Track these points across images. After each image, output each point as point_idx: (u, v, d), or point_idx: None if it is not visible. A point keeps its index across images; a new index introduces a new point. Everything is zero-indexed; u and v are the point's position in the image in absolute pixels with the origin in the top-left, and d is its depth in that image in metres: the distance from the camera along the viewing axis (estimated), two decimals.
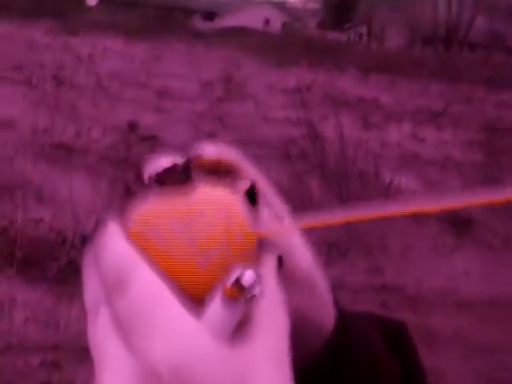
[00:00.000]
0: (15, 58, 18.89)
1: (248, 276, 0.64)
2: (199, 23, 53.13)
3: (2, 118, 11.80)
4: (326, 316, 0.89)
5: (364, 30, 56.64)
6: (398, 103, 19.41)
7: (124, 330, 0.64)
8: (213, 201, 0.70)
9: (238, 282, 0.64)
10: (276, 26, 53.20)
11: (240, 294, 0.64)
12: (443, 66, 31.96)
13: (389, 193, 10.03)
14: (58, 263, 7.65)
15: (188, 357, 0.61)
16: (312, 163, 10.48)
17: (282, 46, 32.74)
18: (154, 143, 11.18)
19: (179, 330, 0.62)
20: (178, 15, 52.72)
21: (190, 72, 20.25)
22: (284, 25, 54.64)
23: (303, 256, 0.85)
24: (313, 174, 10.37)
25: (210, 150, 0.82)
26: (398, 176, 10.45)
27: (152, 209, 0.69)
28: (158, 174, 0.77)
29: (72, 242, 7.81)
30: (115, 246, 0.66)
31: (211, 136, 12.36)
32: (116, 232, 0.67)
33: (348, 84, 22.12)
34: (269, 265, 0.70)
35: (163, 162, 0.79)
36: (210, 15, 58.82)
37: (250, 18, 53.88)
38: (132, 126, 11.70)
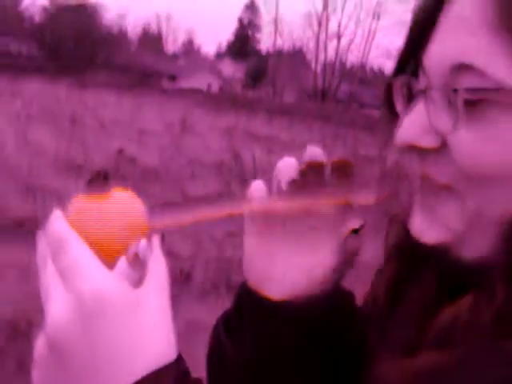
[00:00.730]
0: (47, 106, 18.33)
1: (142, 245, 0.69)
2: (165, 83, 52.25)
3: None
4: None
5: (271, 88, 55.75)
6: (292, 137, 19.20)
7: (62, 275, 0.66)
8: (126, 201, 0.73)
9: (135, 254, 0.69)
10: (215, 87, 52.50)
11: (136, 258, 0.68)
12: (320, 113, 31.76)
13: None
14: None
15: (104, 291, 0.64)
16: (234, 175, 10.35)
17: (219, 101, 32.36)
18: (135, 164, 11.04)
19: (99, 275, 0.65)
20: (152, 78, 51.82)
21: (158, 116, 19.94)
22: (220, 87, 53.98)
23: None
24: (235, 181, 10.21)
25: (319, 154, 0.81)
26: None
27: (83, 203, 0.71)
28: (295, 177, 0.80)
29: None
30: (58, 223, 0.69)
31: (173, 157, 12.14)
32: (59, 215, 0.70)
33: (259, 124, 21.79)
34: (155, 240, 0.71)
35: (292, 166, 0.81)
36: (172, 77, 57.49)
37: (198, 81, 53.17)
38: (120, 152, 11.48)
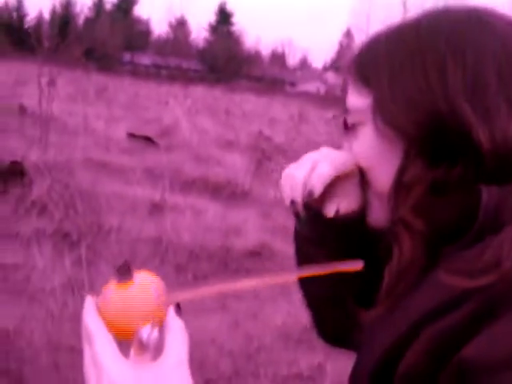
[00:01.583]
0: None
1: (145, 332, 0.61)
2: (287, 88, 52.28)
3: None
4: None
5: None
6: None
7: (92, 362, 0.60)
8: (144, 287, 0.64)
9: (140, 339, 0.61)
10: (322, 91, 51.99)
11: (141, 348, 0.61)
12: None
13: None
14: None
15: (119, 382, 0.57)
16: None
17: (325, 100, 32.18)
18: (270, 141, 11.21)
19: (116, 368, 0.57)
20: (278, 84, 52.01)
21: (283, 110, 20.22)
22: (326, 90, 53.40)
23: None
24: None
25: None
26: None
27: (110, 293, 0.64)
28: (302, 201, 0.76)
29: None
30: (89, 314, 0.63)
31: (294, 138, 12.20)
32: (91, 305, 0.63)
33: None
34: (171, 314, 0.62)
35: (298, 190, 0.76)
36: (292, 84, 57.72)
37: (310, 87, 53.05)
38: (259, 133, 11.69)
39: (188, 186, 7.15)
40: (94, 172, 6.84)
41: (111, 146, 8.86)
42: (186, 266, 4.70)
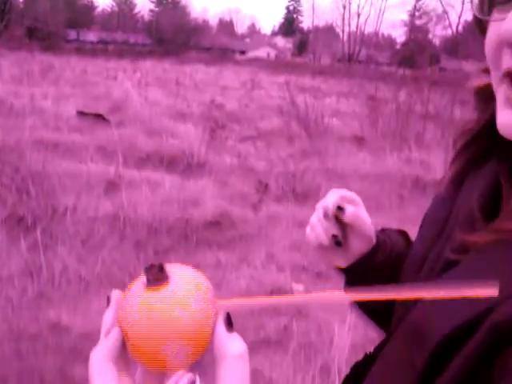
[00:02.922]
0: None
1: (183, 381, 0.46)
2: (237, 56, 51.65)
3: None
4: (372, 234, 0.83)
5: (311, 55, 55.87)
6: (329, 88, 19.07)
7: None
8: (181, 297, 0.48)
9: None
10: (272, 56, 51.69)
11: None
12: (347, 71, 31.32)
13: None
14: None
15: None
16: (291, 115, 10.22)
17: (276, 65, 32.03)
18: (222, 109, 11.01)
19: None
20: (228, 53, 51.39)
21: (235, 77, 20.06)
22: (276, 56, 53.10)
23: (366, 219, 0.80)
24: (292, 119, 10.10)
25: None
26: None
27: (134, 300, 0.48)
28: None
29: None
30: (109, 313, 0.51)
31: (247, 104, 12.09)
32: (113, 306, 0.51)
33: (305, 80, 21.60)
34: (222, 332, 0.49)
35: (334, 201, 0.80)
36: (242, 52, 57.18)
37: (260, 53, 52.76)
38: (211, 101, 11.49)
39: (143, 160, 6.98)
40: (44, 153, 6.59)
41: (61, 125, 8.56)
42: (145, 241, 4.58)
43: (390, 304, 0.64)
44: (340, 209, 0.80)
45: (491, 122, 0.58)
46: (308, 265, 4.13)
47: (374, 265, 0.84)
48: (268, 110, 11.22)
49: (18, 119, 8.28)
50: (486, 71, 0.60)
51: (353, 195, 0.82)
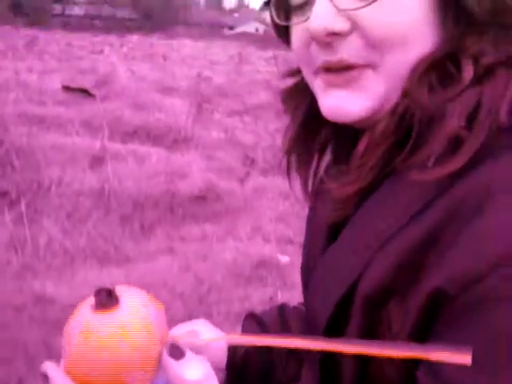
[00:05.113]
0: None
1: None
2: (226, 31, 51.28)
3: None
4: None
5: None
6: None
7: None
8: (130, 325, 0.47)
9: None
10: (261, 31, 51.32)
11: None
12: None
13: None
14: None
15: None
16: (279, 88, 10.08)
17: (263, 40, 31.81)
18: (210, 83, 10.87)
19: None
20: (216, 27, 50.95)
21: (223, 51, 19.86)
22: (264, 30, 52.78)
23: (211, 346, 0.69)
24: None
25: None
26: None
27: (82, 323, 0.47)
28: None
29: None
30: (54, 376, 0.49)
31: (235, 78, 11.97)
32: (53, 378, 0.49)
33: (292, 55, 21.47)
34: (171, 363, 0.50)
35: None
36: (231, 27, 56.70)
37: (249, 27, 52.37)
38: (199, 75, 11.36)
39: (129, 135, 6.90)
40: (29, 126, 6.48)
41: (46, 99, 8.42)
42: (131, 215, 4.54)
43: None
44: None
45: (314, 116, 0.67)
46: (294, 236, 4.12)
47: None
48: (256, 85, 11.12)
49: (2, 93, 8.12)
50: (290, 74, 0.74)
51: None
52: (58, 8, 50.61)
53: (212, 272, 3.54)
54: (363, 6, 0.53)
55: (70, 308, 0.53)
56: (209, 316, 3.14)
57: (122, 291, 0.49)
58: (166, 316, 0.51)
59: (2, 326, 2.89)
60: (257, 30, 53.12)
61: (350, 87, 0.58)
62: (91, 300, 0.49)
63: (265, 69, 14.65)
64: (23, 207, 4.35)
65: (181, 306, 3.15)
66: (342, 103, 0.58)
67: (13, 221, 4.21)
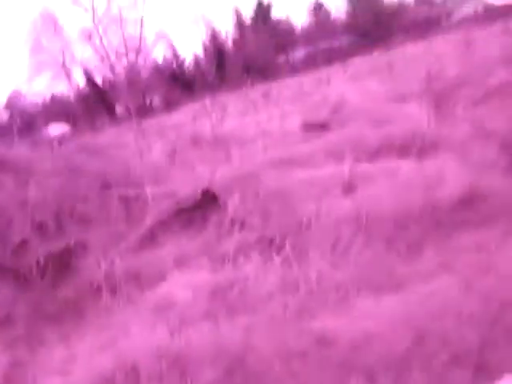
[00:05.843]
0: None
1: None
2: (445, 22, 48.23)
3: None
4: None
5: None
6: None
7: None
8: None
9: None
10: (480, 9, 47.01)
11: None
12: None
13: None
14: None
15: None
16: None
17: (485, 17, 28.71)
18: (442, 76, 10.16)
19: None
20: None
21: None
22: (484, 6, 48.24)
23: None
24: None
25: None
26: None
27: None
28: None
29: None
30: None
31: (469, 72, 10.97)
32: None
33: None
34: None
35: None
36: (448, 16, 53.19)
37: (466, 11, 48.43)
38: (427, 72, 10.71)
39: (373, 153, 6.70)
40: (278, 169, 6.67)
41: (288, 139, 8.69)
42: (394, 236, 4.29)
43: None
44: None
45: None
46: None
47: None
48: (491, 65, 9.96)
49: (250, 145, 8.66)
50: None
51: None
52: (282, 57, 53.82)
53: (499, 287, 3.00)
54: None
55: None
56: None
57: None
58: None
59: (291, 376, 2.81)
60: (475, 10, 48.84)
61: None
62: None
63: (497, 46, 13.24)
64: (288, 248, 4.40)
65: (472, 332, 2.69)
66: None
67: (281, 264, 4.26)
